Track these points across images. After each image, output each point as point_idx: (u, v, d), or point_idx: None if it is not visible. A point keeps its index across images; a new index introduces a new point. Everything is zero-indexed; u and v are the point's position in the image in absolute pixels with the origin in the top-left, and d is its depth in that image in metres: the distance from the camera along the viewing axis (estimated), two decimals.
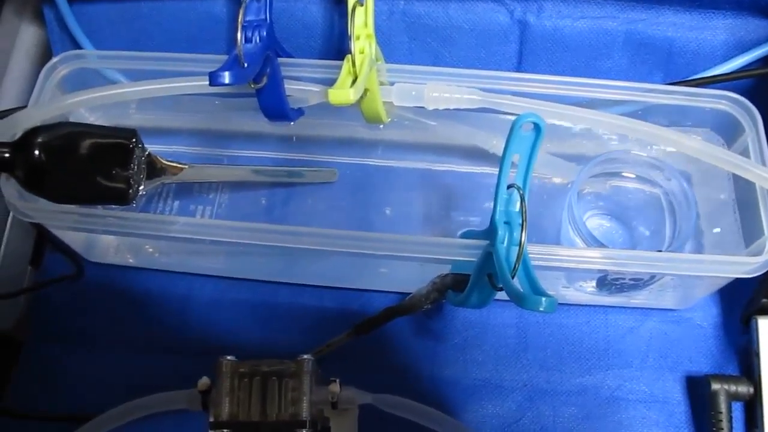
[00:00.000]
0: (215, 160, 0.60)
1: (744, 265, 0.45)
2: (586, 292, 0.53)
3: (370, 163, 0.58)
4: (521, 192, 0.42)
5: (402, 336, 0.55)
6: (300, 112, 0.54)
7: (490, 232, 0.43)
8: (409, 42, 0.56)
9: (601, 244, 0.48)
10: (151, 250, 0.58)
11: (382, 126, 0.55)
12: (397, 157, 0.58)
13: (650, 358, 0.54)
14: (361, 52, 0.47)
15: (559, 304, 0.54)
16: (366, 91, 0.50)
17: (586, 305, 0.55)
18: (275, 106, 0.52)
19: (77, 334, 0.56)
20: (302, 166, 0.59)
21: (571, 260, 0.45)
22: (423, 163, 0.58)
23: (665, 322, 0.56)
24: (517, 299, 0.38)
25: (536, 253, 0.44)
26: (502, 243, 0.42)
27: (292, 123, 0.54)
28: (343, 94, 0.42)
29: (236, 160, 0.59)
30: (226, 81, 0.43)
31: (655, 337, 0.55)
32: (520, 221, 0.42)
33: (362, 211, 0.57)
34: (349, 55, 0.46)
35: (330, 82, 0.48)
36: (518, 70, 0.56)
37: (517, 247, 0.41)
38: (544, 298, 0.37)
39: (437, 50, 0.57)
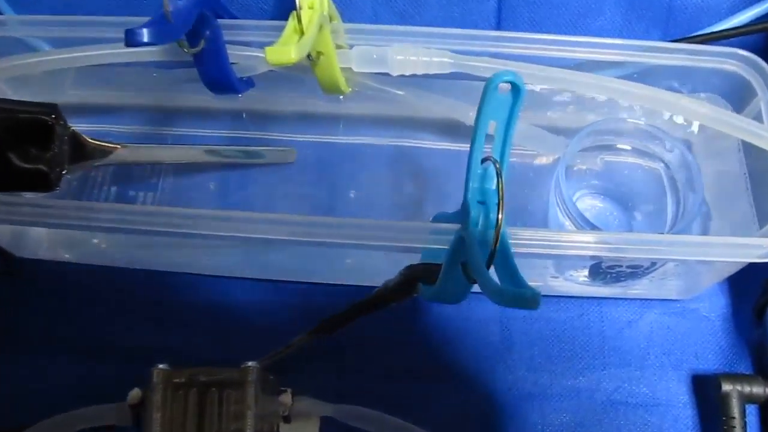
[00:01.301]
0: (159, 140, 0.53)
1: (758, 249, 0.38)
2: (577, 282, 0.46)
3: (332, 140, 0.52)
4: (498, 166, 0.35)
5: (372, 334, 0.48)
6: (249, 83, 0.48)
7: (462, 214, 0.37)
8: (372, 1, 0.50)
9: (593, 227, 0.42)
10: (96, 241, 0.51)
11: (342, 97, 0.48)
12: (362, 133, 0.52)
13: (651, 355, 0.48)
14: (311, 7, 0.40)
15: (548, 296, 0.49)
16: (319, 54, 0.43)
17: (578, 297, 0.49)
18: (218, 76, 0.45)
19: (4, 336, 0.49)
20: (255, 145, 0.52)
21: (559, 245, 0.38)
22: (391, 139, 0.51)
23: (668, 314, 0.49)
24: (492, 294, 0.31)
25: (518, 237, 0.37)
26: (476, 226, 0.36)
27: (239, 96, 0.47)
28: (283, 52, 0.36)
29: (180, 139, 0.52)
30: (145, 39, 0.37)
31: (657, 332, 0.49)
32: (497, 200, 0.35)
33: (324, 194, 0.51)
34: (294, 11, 0.39)
35: None
36: (497, 29, 0.50)
37: (494, 231, 0.34)
38: (526, 293, 0.30)
39: (404, 9, 0.50)
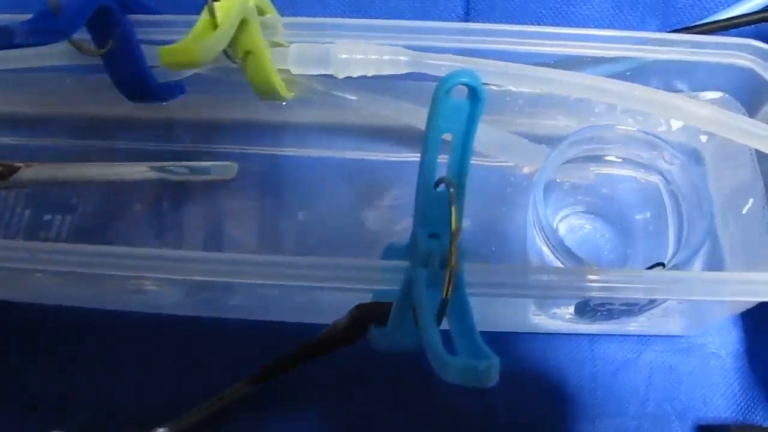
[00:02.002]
0: (84, 154, 0.46)
1: None
2: (564, 319, 0.39)
3: (278, 152, 0.45)
4: (452, 189, 0.28)
5: (320, 381, 0.41)
6: (177, 88, 0.41)
7: (410, 250, 0.30)
8: None
9: (574, 258, 0.35)
10: None
11: (287, 104, 0.41)
12: (312, 143, 0.44)
13: (651, 401, 0.41)
14: None
15: (532, 333, 0.42)
16: (247, 54, 0.36)
17: (564, 333, 0.42)
18: (133, 82, 0.38)
19: None
20: (190, 159, 0.45)
21: (531, 286, 0.31)
22: (345, 150, 0.44)
23: (670, 351, 0.42)
24: (434, 363, 0.24)
25: (479, 276, 0.30)
26: (425, 267, 0.28)
27: (167, 104, 0.40)
28: (182, 52, 0.29)
29: (106, 154, 0.46)
30: (17, 39, 0.30)
31: (658, 373, 0.42)
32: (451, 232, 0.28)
33: (269, 216, 0.44)
34: (207, 5, 0.32)
35: None
36: (465, 21, 0.43)
37: (446, 273, 0.27)
38: (477, 366, 0.23)
39: (358, 1, 0.43)
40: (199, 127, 0.45)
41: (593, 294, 0.32)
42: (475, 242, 0.42)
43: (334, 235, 0.43)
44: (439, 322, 0.27)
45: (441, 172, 0.29)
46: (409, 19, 0.43)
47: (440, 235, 0.29)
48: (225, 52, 0.34)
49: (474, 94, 0.28)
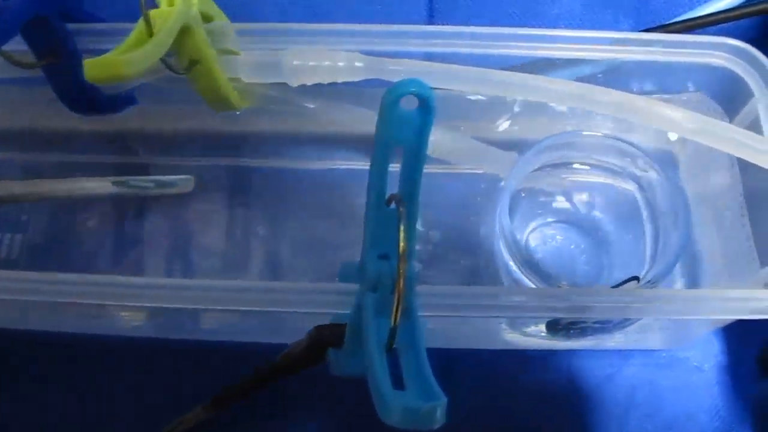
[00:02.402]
0: (29, 169, 0.44)
1: (759, 302, 0.29)
2: (538, 336, 0.37)
3: (235, 164, 0.43)
4: (402, 208, 0.26)
5: (280, 404, 0.39)
6: (128, 100, 0.39)
7: (360, 273, 0.28)
8: None
9: (541, 274, 0.33)
10: None
11: (242, 113, 0.39)
12: (270, 154, 0.42)
13: (632, 418, 0.39)
14: (171, 4, 0.31)
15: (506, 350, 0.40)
16: (193, 63, 0.34)
17: (540, 350, 0.40)
18: (78, 94, 0.36)
19: None
20: (145, 172, 0.43)
21: (488, 309, 0.29)
22: (304, 160, 0.42)
23: (651, 366, 0.40)
24: (375, 400, 0.22)
25: (431, 301, 0.28)
26: (373, 290, 0.26)
27: (118, 115, 0.38)
28: (108, 65, 0.26)
29: (54, 168, 0.43)
30: None
31: (639, 388, 0.40)
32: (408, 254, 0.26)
33: (228, 230, 0.41)
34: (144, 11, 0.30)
35: None
36: (429, 22, 0.41)
37: (395, 298, 0.25)
38: (419, 409, 0.21)
39: (317, 3, 0.41)
40: (153, 139, 0.43)
41: (558, 315, 0.30)
42: (443, 255, 0.40)
43: (294, 250, 0.41)
44: (388, 352, 0.25)
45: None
46: (370, 22, 0.41)
47: (391, 257, 0.27)
48: (165, 61, 0.32)
49: (424, 104, 0.26)
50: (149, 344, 0.41)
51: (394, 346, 0.25)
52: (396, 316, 0.25)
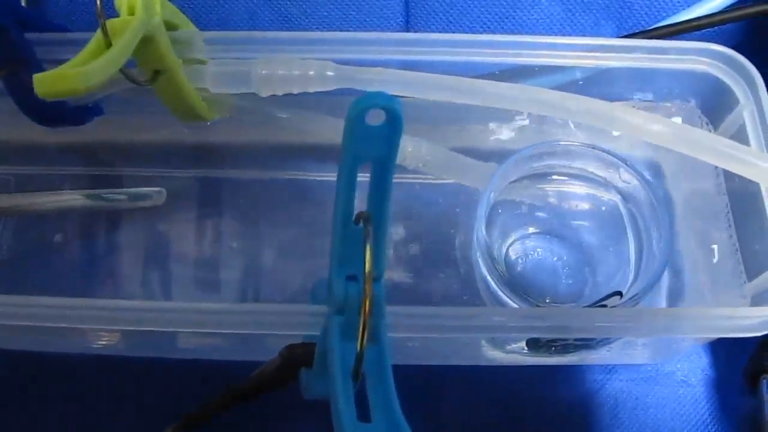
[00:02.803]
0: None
1: (742, 320, 0.28)
2: (521, 353, 0.36)
3: (207, 176, 0.41)
4: (368, 227, 0.25)
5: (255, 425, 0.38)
6: (94, 111, 0.38)
7: (327, 295, 0.27)
8: (248, 1, 0.39)
9: (518, 291, 0.31)
10: None
11: (212, 123, 0.37)
12: (242, 165, 0.41)
13: None
14: (131, 13, 0.30)
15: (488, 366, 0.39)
16: (157, 74, 0.33)
17: (522, 365, 0.39)
18: (40, 106, 0.35)
19: None
20: (114, 185, 0.41)
21: (468, 328, 0.28)
22: (277, 171, 0.41)
23: (636, 380, 0.39)
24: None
25: (402, 321, 0.27)
26: (340, 313, 0.25)
27: (83, 127, 0.37)
28: (56, 79, 0.25)
29: (19, 181, 0.42)
30: None
31: (624, 404, 0.39)
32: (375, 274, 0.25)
33: (200, 245, 0.40)
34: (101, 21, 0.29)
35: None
36: (406, 30, 0.39)
37: (360, 322, 0.24)
38: None
39: (289, 11, 0.40)
40: (122, 150, 0.41)
41: (537, 335, 0.29)
42: (422, 268, 0.39)
43: (269, 263, 0.40)
44: (354, 380, 0.24)
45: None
46: (345, 30, 0.40)
47: (360, 277, 0.26)
48: (125, 73, 0.31)
49: (391, 118, 0.24)
50: (122, 362, 0.39)
51: (361, 372, 0.24)
52: (362, 340, 0.24)
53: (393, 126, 0.25)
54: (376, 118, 0.25)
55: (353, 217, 0.26)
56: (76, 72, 0.25)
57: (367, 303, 0.24)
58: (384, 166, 0.26)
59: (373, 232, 0.25)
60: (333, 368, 0.24)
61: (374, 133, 0.25)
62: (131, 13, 0.30)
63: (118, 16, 0.30)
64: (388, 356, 0.24)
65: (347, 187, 0.26)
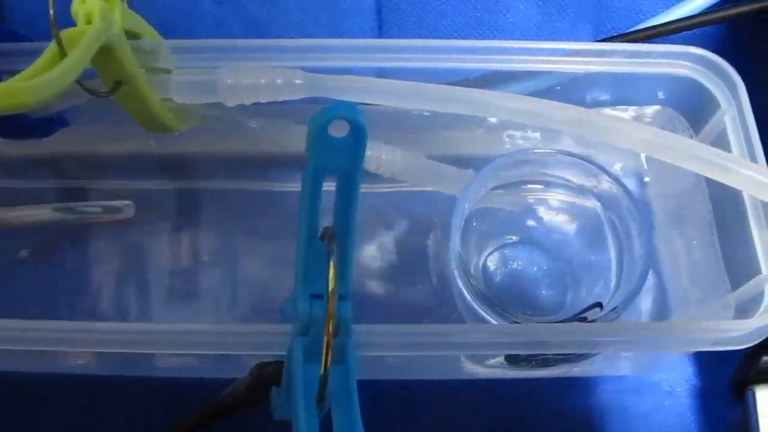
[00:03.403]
0: None
1: (723, 333, 0.27)
2: (501, 367, 0.35)
3: (177, 187, 0.40)
4: (332, 243, 0.24)
5: None
6: (58, 122, 0.36)
7: (292, 314, 0.25)
8: (214, 6, 0.38)
9: (493, 306, 0.30)
10: None
11: (180, 134, 0.36)
12: (213, 176, 0.40)
13: None
14: (88, 22, 0.29)
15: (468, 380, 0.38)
16: (119, 84, 0.31)
17: (503, 378, 0.38)
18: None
19: None
20: (82, 198, 0.40)
21: (442, 345, 0.27)
22: (248, 182, 0.40)
23: (620, 392, 0.38)
24: None
25: (372, 340, 0.26)
26: (304, 334, 0.24)
27: (47, 139, 0.36)
28: (6, 92, 0.24)
29: None
30: None
31: (608, 416, 0.38)
32: (341, 293, 0.24)
33: (171, 258, 0.39)
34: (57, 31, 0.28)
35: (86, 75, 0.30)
36: (379, 35, 0.38)
37: (323, 343, 0.23)
38: None
39: (258, 16, 0.39)
40: (88, 162, 0.40)
41: (514, 351, 0.28)
42: (398, 278, 0.38)
43: (243, 279, 0.38)
44: (319, 404, 0.23)
45: None
46: (316, 36, 0.39)
47: (325, 296, 0.25)
48: (82, 84, 0.29)
49: (355, 129, 0.23)
50: (97, 381, 0.38)
51: (327, 395, 0.23)
52: (325, 362, 0.22)
53: (357, 138, 0.24)
54: (340, 129, 0.24)
55: (319, 233, 0.25)
56: (24, 85, 0.24)
57: (331, 322, 0.22)
58: (349, 179, 0.25)
59: (338, 248, 0.24)
60: (295, 392, 0.23)
61: (338, 145, 0.24)
62: (89, 22, 0.29)
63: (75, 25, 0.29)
64: (354, 378, 0.23)
65: (311, 202, 0.25)
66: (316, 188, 0.24)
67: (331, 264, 0.23)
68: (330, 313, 0.22)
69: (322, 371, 0.22)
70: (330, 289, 0.23)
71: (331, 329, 0.22)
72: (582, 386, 0.38)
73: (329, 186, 0.25)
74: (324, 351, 0.22)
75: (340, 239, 0.25)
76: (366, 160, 0.35)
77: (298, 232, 0.25)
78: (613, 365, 0.37)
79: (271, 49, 0.34)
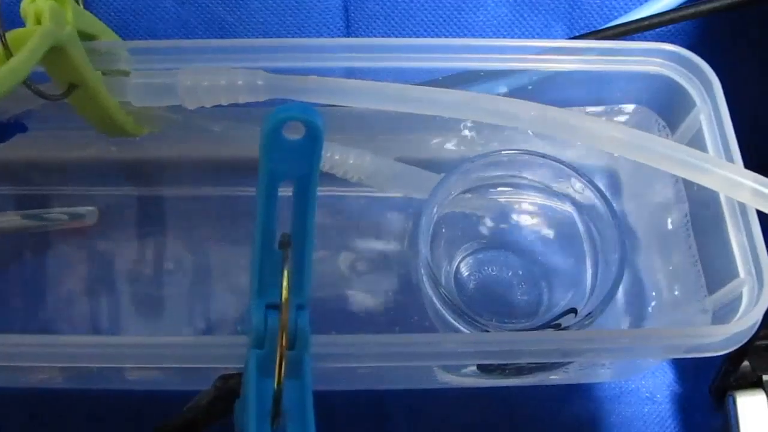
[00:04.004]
0: None
1: (699, 339, 0.26)
2: (476, 375, 0.34)
3: (140, 193, 0.39)
4: (287, 250, 0.23)
5: None
6: (15, 127, 0.36)
7: (247, 324, 0.24)
8: (176, 6, 0.37)
9: (465, 316, 0.29)
10: None
11: (141, 139, 0.35)
12: (177, 181, 0.38)
13: None
14: (38, 22, 0.28)
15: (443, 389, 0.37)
16: (72, 87, 0.30)
17: (478, 387, 0.36)
18: None
19: None
20: (38, 205, 0.39)
21: (410, 355, 0.26)
22: (212, 187, 0.38)
23: (599, 399, 0.37)
24: None
25: (333, 352, 0.25)
26: (259, 347, 0.23)
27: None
28: None
29: None
30: None
31: (587, 424, 0.37)
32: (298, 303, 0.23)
33: (136, 266, 0.38)
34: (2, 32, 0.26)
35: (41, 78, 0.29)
36: (347, 34, 0.37)
37: (277, 356, 0.22)
38: None
39: (222, 17, 0.37)
40: (47, 168, 0.39)
41: (483, 361, 0.27)
42: (369, 286, 0.36)
43: (209, 286, 0.37)
44: (273, 424, 0.21)
45: None
46: (282, 36, 0.38)
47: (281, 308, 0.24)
48: (31, 87, 0.28)
49: (311, 132, 0.22)
50: (62, 395, 0.37)
51: (281, 412, 0.22)
52: (278, 377, 0.21)
53: (313, 140, 0.23)
54: (295, 131, 0.23)
55: (276, 240, 0.24)
56: None
57: (284, 335, 0.21)
58: (306, 184, 0.24)
59: (295, 256, 0.23)
60: (248, 408, 0.21)
61: (293, 148, 0.23)
62: (38, 22, 0.28)
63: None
64: (309, 394, 0.22)
65: (266, 208, 0.24)
66: (271, 193, 0.23)
67: (285, 272, 0.22)
68: (283, 324, 0.21)
69: (275, 386, 0.21)
70: (283, 298, 0.22)
71: (284, 341, 0.21)
72: (561, 394, 0.37)
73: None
74: (277, 364, 0.21)
75: (297, 246, 0.24)
76: (333, 164, 0.34)
77: (253, 239, 0.24)
78: (591, 372, 0.36)
79: (235, 50, 0.33)
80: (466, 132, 0.37)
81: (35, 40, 0.27)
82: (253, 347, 0.23)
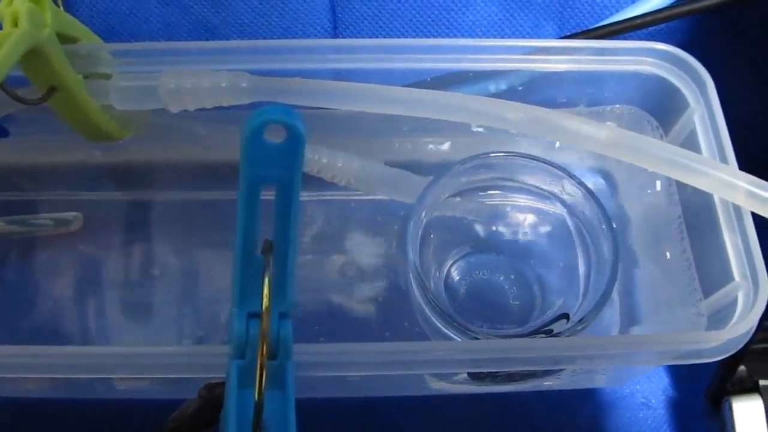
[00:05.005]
0: None
1: (700, 345, 0.26)
2: (466, 382, 0.33)
3: (125, 198, 0.38)
4: (268, 255, 0.22)
5: None
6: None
7: (229, 333, 0.24)
8: (160, 7, 0.36)
9: (454, 323, 0.29)
10: None
11: (121, 142, 0.34)
12: (164, 186, 0.38)
13: None
14: (15, 25, 0.27)
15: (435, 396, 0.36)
16: (52, 90, 0.30)
17: (470, 394, 0.36)
18: None
19: None
20: (20, 211, 0.38)
21: (398, 364, 0.25)
22: (200, 192, 0.38)
23: (594, 405, 0.37)
24: None
25: (318, 361, 0.24)
26: (240, 356, 0.22)
27: None
28: None
29: None
30: None
31: (582, 430, 0.36)
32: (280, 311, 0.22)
33: (119, 272, 0.37)
34: None
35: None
36: (334, 36, 0.37)
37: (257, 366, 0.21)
38: None
39: (207, 18, 0.37)
40: (31, 173, 0.38)
41: (473, 369, 0.26)
42: (358, 290, 0.36)
43: (194, 293, 0.37)
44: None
45: None
46: (268, 38, 0.37)
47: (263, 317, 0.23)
48: (7, 91, 0.28)
49: (292, 134, 0.22)
50: (49, 405, 0.37)
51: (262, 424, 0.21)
52: (259, 387, 0.21)
53: (294, 143, 0.22)
54: (276, 134, 0.22)
55: (258, 247, 0.23)
56: None
57: (265, 344, 0.21)
58: (288, 188, 0.23)
59: (278, 262, 0.23)
60: (228, 420, 0.21)
61: (275, 152, 0.22)
62: (15, 24, 0.27)
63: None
64: (292, 404, 0.21)
65: (247, 213, 0.23)
66: (253, 198, 0.23)
67: (266, 279, 0.21)
68: (264, 333, 0.21)
69: (256, 397, 0.21)
70: (264, 306, 0.21)
71: (265, 351, 0.21)
72: (555, 400, 0.37)
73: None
74: (258, 375, 0.21)
75: (279, 253, 0.23)
76: (321, 168, 0.34)
77: (234, 245, 0.23)
78: (586, 378, 0.35)
79: (220, 52, 0.32)
80: (457, 134, 0.37)
81: (12, 43, 0.26)
82: (234, 357, 0.22)
